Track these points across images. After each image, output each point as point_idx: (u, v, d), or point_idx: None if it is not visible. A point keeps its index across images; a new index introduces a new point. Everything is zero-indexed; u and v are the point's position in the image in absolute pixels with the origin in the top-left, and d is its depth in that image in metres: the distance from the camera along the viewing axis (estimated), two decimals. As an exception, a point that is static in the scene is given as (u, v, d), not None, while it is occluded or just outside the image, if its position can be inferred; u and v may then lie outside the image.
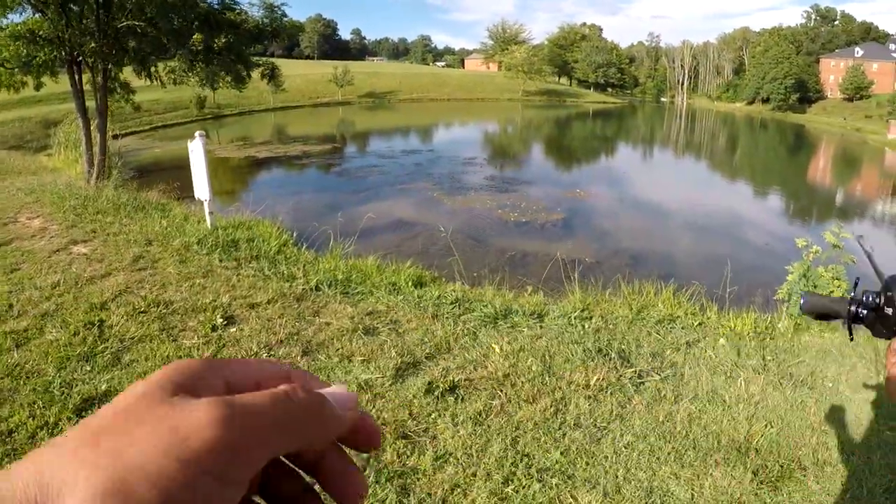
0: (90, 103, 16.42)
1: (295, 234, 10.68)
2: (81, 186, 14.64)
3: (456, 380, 4.97)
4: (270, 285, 7.22)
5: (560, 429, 4.35)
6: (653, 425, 4.42)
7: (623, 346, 5.73)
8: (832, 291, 7.61)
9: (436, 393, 4.76)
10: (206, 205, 10.10)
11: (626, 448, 4.15)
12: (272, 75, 21.91)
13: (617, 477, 3.86)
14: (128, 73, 18.82)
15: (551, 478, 3.83)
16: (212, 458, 0.38)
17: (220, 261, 8.24)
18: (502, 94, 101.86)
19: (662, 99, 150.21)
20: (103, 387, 4.93)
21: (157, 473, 0.36)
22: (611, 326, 6.33)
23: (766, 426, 4.47)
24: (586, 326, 6.25)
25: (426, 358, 5.42)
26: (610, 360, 5.33)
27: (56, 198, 12.28)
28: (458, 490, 3.73)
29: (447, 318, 6.41)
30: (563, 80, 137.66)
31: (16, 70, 15.11)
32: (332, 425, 0.49)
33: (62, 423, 4.50)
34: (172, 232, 9.65)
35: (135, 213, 11.16)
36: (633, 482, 3.82)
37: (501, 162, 33.26)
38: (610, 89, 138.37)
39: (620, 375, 5.08)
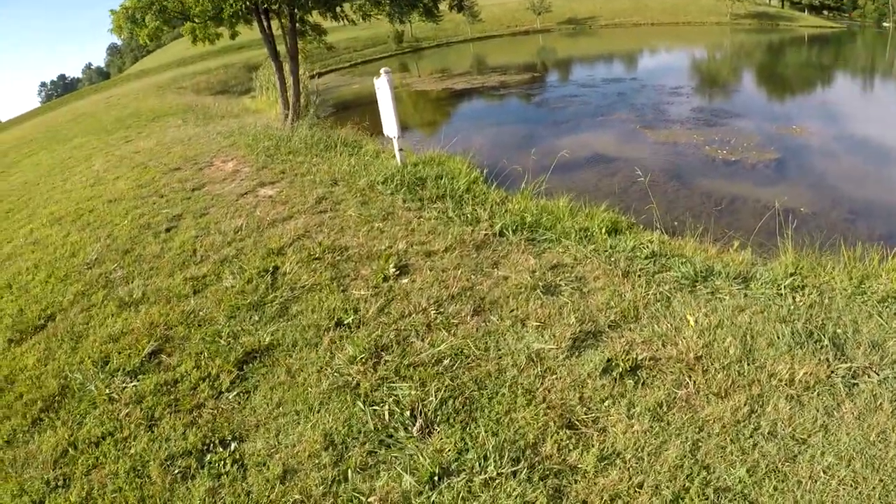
0: (281, 48, 16.66)
1: (486, 171, 10.23)
2: (277, 128, 14.89)
3: (639, 358, 4.27)
4: (451, 230, 6.77)
5: (751, 437, 3.58)
6: (861, 445, 3.50)
7: (838, 330, 4.64)
8: None
9: (614, 373, 4.10)
10: (395, 142, 9.87)
11: (825, 473, 3.29)
12: (460, 6, 21.44)
13: (808, 512, 3.10)
14: (318, 16, 18.96)
15: (729, 502, 3.13)
16: None
17: (404, 201, 7.92)
18: (708, 17, 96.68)
19: (884, 24, 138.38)
20: (267, 339, 4.77)
21: None
22: (826, 301, 5.13)
23: None
24: (797, 299, 5.15)
25: (609, 327, 4.73)
26: (821, 347, 4.34)
27: (251, 140, 12.54)
28: (619, 502, 3.13)
29: (639, 276, 5.62)
30: (775, 1, 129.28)
31: (208, 23, 15.47)
32: None
33: (223, 376, 4.41)
34: (359, 171, 9.48)
35: (325, 153, 11.11)
36: (826, 523, 3.06)
37: (709, 92, 31.19)
38: (826, 12, 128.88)
39: (832, 371, 4.11)
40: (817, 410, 3.75)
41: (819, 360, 4.17)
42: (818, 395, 3.88)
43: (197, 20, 15.26)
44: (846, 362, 4.18)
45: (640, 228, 7.69)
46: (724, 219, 11.17)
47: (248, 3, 15.21)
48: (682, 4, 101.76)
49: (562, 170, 12.17)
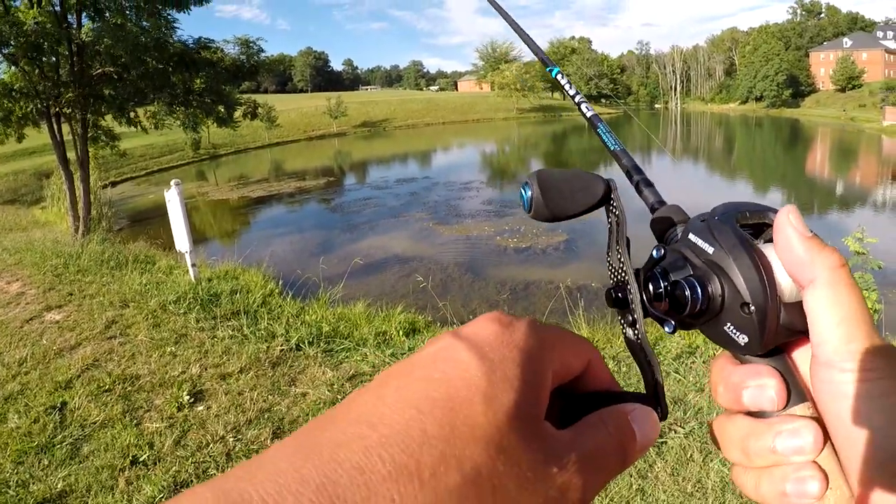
0: (72, 154, 16.04)
1: (282, 282, 10.22)
2: (67, 242, 14.26)
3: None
4: (246, 349, 6.73)
5: (569, 516, 3.70)
6: (680, 499, 3.79)
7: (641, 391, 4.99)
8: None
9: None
10: (187, 257, 9.65)
11: (650, 536, 3.55)
12: (254, 114, 21.46)
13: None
14: (113, 120, 18.42)
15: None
16: None
17: (197, 321, 7.76)
18: (496, 113, 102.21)
19: (656, 105, 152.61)
20: (59, 486, 4.51)
21: None
22: (623, 370, 5.56)
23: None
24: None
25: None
26: (621, 415, 4.66)
27: (38, 258, 11.90)
28: None
29: (437, 376, 5.77)
30: (557, 94, 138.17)
31: (-1, 124, 14.86)
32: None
33: (15, 534, 4.12)
34: (151, 290, 9.22)
35: (116, 271, 10.74)
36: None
37: (499, 183, 32.80)
38: (603, 100, 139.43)
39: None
40: (631, 476, 4.02)
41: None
42: (630, 460, 4.14)
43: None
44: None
45: (437, 326, 7.93)
46: (520, 303, 11.71)
47: (38, 105, 14.67)
48: (472, 103, 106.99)
49: (359, 274, 12.37)
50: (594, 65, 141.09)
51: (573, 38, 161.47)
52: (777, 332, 0.51)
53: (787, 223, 0.50)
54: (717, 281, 0.53)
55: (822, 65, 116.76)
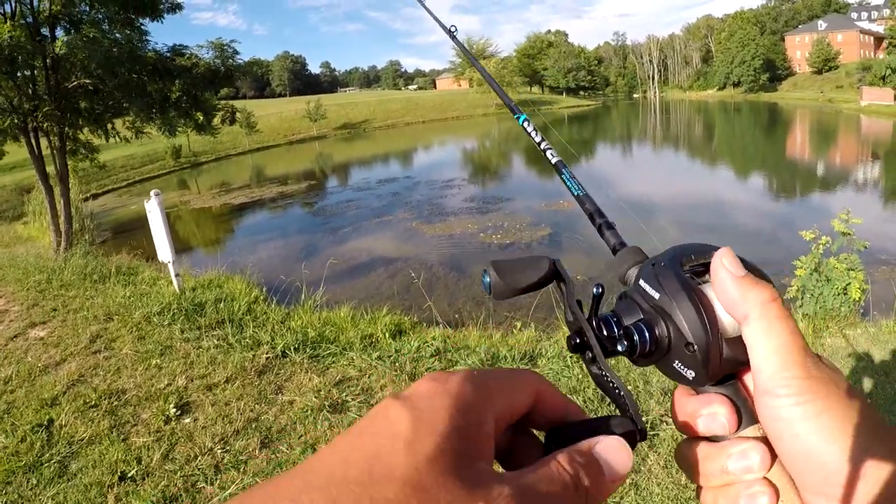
0: (51, 168, 15.94)
1: (267, 289, 10.20)
2: (49, 257, 14.17)
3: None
4: (232, 358, 6.70)
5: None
6: (674, 493, 3.80)
7: (629, 388, 4.95)
8: (849, 284, 7.17)
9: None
10: (170, 267, 9.60)
11: (647, 530, 3.53)
12: (233, 119, 21.28)
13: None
14: (90, 133, 18.30)
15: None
16: None
17: (182, 332, 7.72)
18: (475, 110, 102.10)
19: (634, 95, 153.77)
20: (48, 505, 4.45)
21: None
22: (612, 361, 5.51)
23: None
24: (584, 367, 5.41)
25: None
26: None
27: (21, 274, 11.82)
28: None
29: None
30: (535, 88, 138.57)
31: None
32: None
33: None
34: (135, 302, 9.16)
35: (99, 284, 10.68)
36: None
37: (481, 180, 32.72)
38: (582, 92, 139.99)
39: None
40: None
41: (617, 420, 4.48)
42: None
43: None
44: (643, 416, 4.48)
45: (423, 326, 7.93)
46: (505, 301, 11.68)
47: (16, 120, 14.53)
48: (451, 101, 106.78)
49: (344, 277, 12.35)
50: (571, 57, 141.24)
51: (549, 31, 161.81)
52: (721, 366, 0.57)
53: (721, 265, 0.56)
54: (664, 324, 0.59)
55: (798, 48, 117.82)
